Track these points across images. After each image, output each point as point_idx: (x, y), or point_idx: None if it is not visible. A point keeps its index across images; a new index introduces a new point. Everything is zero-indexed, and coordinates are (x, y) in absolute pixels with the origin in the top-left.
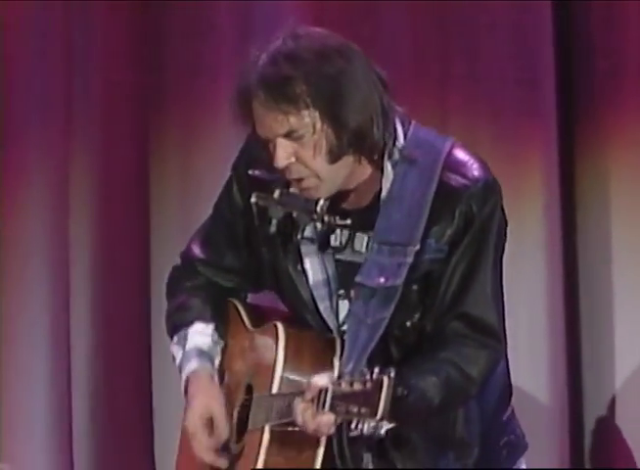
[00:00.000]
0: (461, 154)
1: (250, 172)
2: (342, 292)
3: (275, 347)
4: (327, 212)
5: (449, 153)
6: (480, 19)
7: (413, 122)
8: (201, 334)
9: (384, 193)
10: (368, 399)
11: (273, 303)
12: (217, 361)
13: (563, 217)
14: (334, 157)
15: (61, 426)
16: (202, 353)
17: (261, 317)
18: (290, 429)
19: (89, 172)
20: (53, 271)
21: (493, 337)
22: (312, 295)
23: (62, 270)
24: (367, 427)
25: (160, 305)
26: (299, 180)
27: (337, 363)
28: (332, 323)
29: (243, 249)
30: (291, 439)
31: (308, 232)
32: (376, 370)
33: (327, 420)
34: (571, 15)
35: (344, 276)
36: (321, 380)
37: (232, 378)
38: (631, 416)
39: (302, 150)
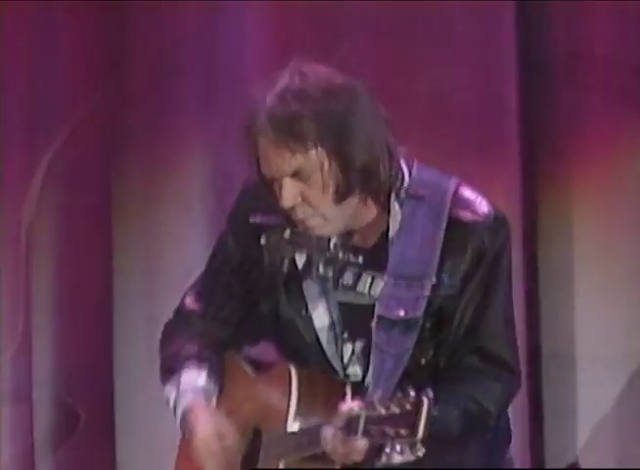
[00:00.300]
0: (467, 192)
1: (251, 220)
2: (346, 335)
3: (288, 387)
4: (340, 249)
5: (456, 191)
6: (441, 58)
7: (416, 162)
8: (195, 373)
9: (392, 231)
10: (406, 420)
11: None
12: (214, 400)
13: (525, 257)
14: (340, 196)
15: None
16: (196, 389)
17: (263, 366)
18: (304, 468)
19: (51, 212)
20: (14, 312)
21: (508, 370)
22: (318, 339)
23: (24, 310)
24: (405, 449)
25: (121, 344)
26: (304, 220)
27: None
28: (337, 366)
29: (240, 302)
30: None
31: (319, 271)
32: (412, 393)
33: (360, 445)
34: (533, 49)
35: (348, 319)
36: (352, 406)
37: (236, 425)
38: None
39: (309, 190)
